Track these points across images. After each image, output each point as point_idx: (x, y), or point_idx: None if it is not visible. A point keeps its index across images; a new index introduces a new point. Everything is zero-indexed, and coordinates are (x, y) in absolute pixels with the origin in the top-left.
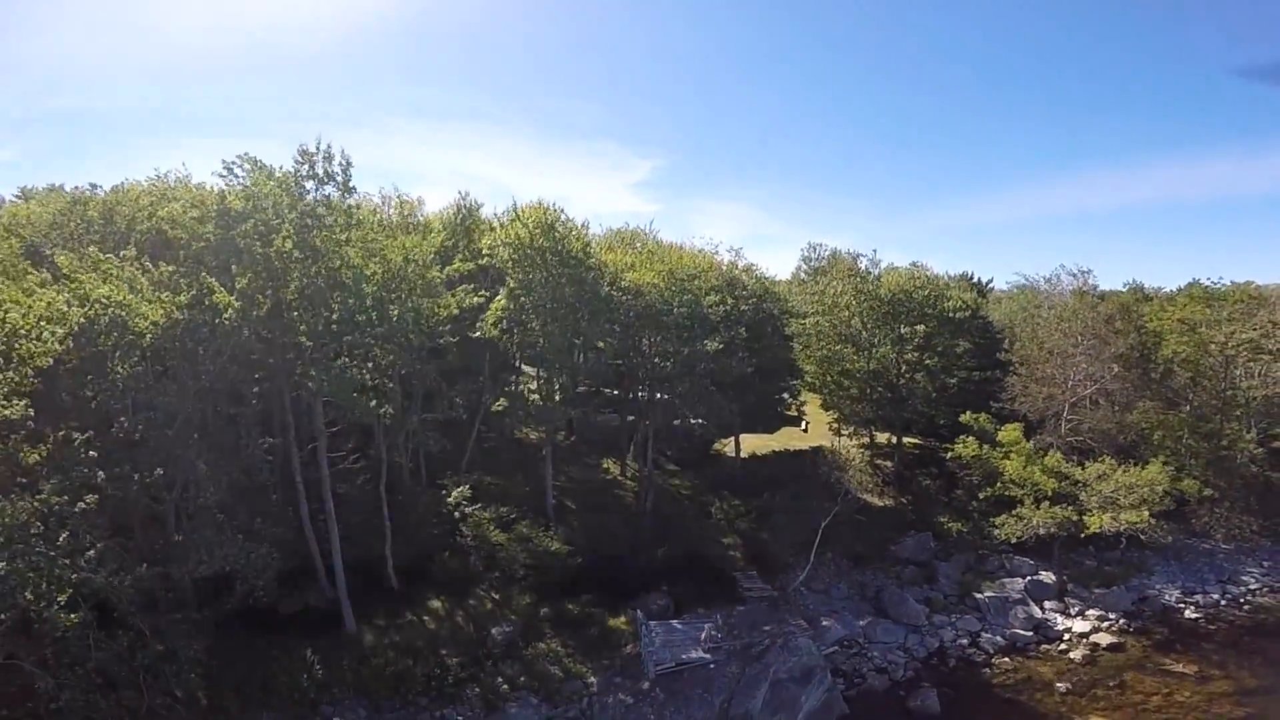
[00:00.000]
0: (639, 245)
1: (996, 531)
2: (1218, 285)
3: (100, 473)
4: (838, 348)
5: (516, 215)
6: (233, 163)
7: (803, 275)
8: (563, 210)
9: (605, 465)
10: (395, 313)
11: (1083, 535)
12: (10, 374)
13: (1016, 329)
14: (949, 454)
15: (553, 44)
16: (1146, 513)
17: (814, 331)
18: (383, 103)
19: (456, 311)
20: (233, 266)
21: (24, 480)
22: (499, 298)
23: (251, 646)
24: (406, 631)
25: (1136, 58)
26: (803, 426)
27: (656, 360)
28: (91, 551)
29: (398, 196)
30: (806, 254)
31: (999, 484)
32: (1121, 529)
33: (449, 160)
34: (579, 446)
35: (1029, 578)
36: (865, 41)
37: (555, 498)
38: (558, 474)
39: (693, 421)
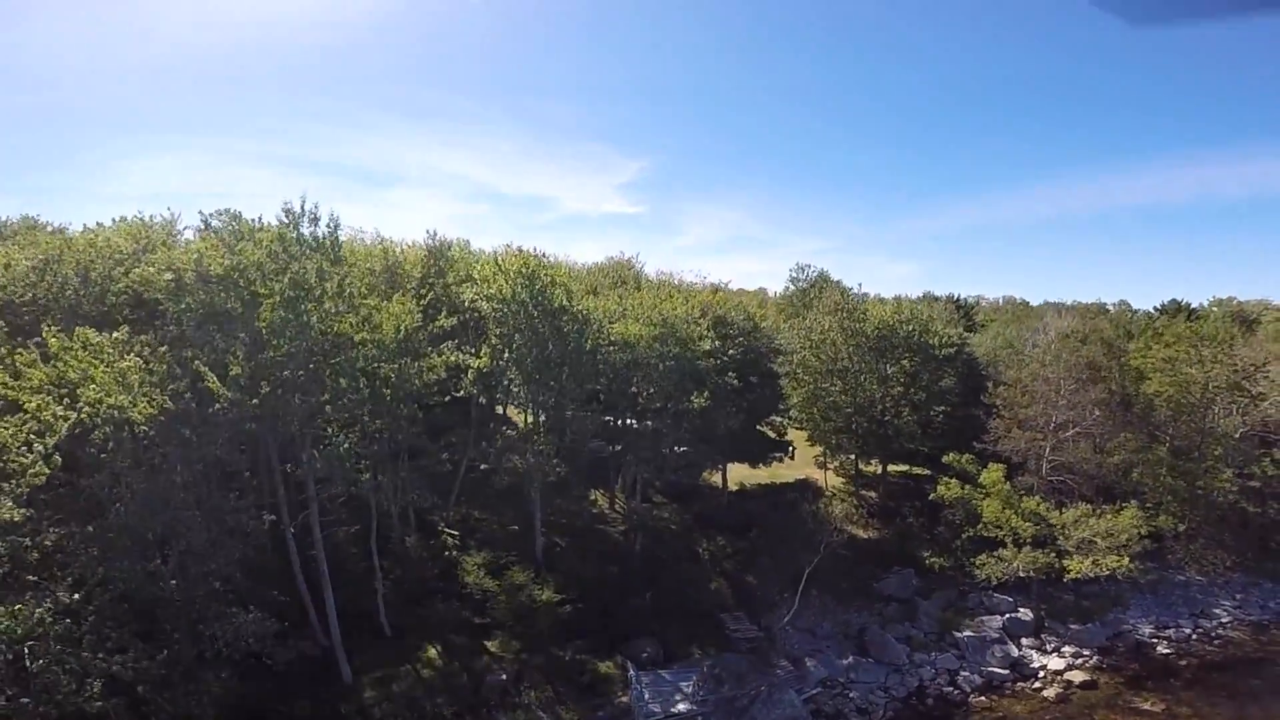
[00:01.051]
0: (627, 282)
1: (977, 571)
2: (1202, 309)
3: (100, 569)
4: (825, 385)
5: (498, 265)
6: (210, 215)
7: (791, 294)
8: (545, 255)
9: (594, 497)
10: (388, 393)
11: (1064, 580)
12: (5, 485)
13: (1001, 364)
14: (932, 495)
15: (536, 42)
16: (1126, 559)
17: (800, 365)
18: (362, 99)
19: (444, 375)
20: (216, 336)
21: (33, 578)
22: (481, 355)
23: (248, 700)
24: (402, 681)
25: (1118, 59)
26: (789, 452)
27: (647, 415)
28: (110, 643)
29: (380, 245)
30: (795, 274)
31: (981, 524)
32: (1102, 574)
33: (430, 159)
34: (567, 476)
35: (1007, 615)
36: (849, 46)
37: (544, 533)
38: (545, 503)
39: (679, 450)
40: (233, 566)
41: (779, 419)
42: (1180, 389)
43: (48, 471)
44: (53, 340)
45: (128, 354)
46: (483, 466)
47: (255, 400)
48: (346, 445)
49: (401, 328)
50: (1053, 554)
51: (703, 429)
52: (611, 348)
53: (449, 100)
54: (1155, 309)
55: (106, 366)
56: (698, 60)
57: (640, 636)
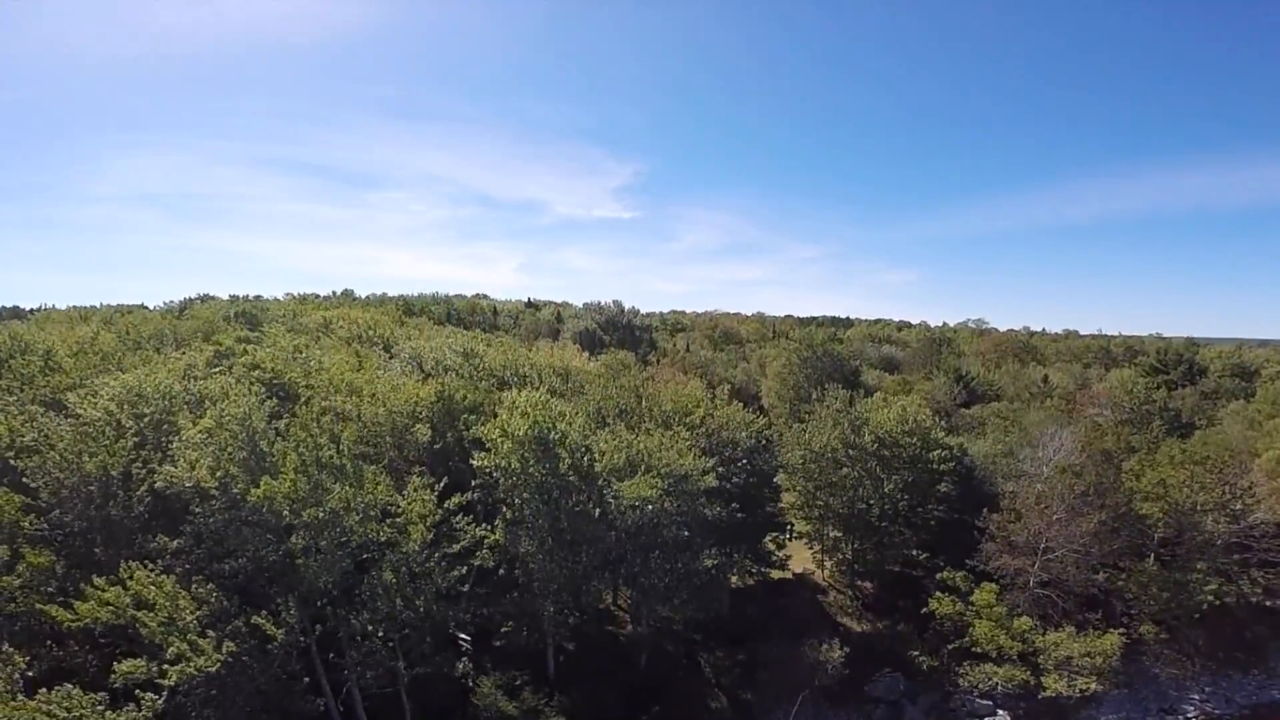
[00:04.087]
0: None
1: (961, 680)
2: (1203, 351)
3: None
4: (822, 496)
5: (505, 432)
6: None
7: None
8: (555, 405)
9: (601, 596)
10: (420, 602)
11: (1039, 697)
12: None
13: (1000, 475)
14: (924, 609)
15: (527, 42)
16: (1094, 682)
17: (802, 472)
18: (350, 101)
19: (465, 571)
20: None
21: None
22: (496, 530)
23: None
24: None
25: (1119, 68)
26: (785, 564)
27: (654, 577)
28: None
29: (385, 404)
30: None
31: (970, 639)
32: (1074, 694)
33: (419, 161)
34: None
35: (987, 718)
36: (848, 50)
37: (558, 656)
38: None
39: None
40: None
41: (780, 535)
42: (1171, 509)
43: None
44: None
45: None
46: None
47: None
48: (383, 648)
49: (428, 529)
50: (1029, 671)
51: (710, 584)
52: (622, 508)
53: (437, 101)
54: (1158, 361)
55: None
56: (693, 62)
57: None
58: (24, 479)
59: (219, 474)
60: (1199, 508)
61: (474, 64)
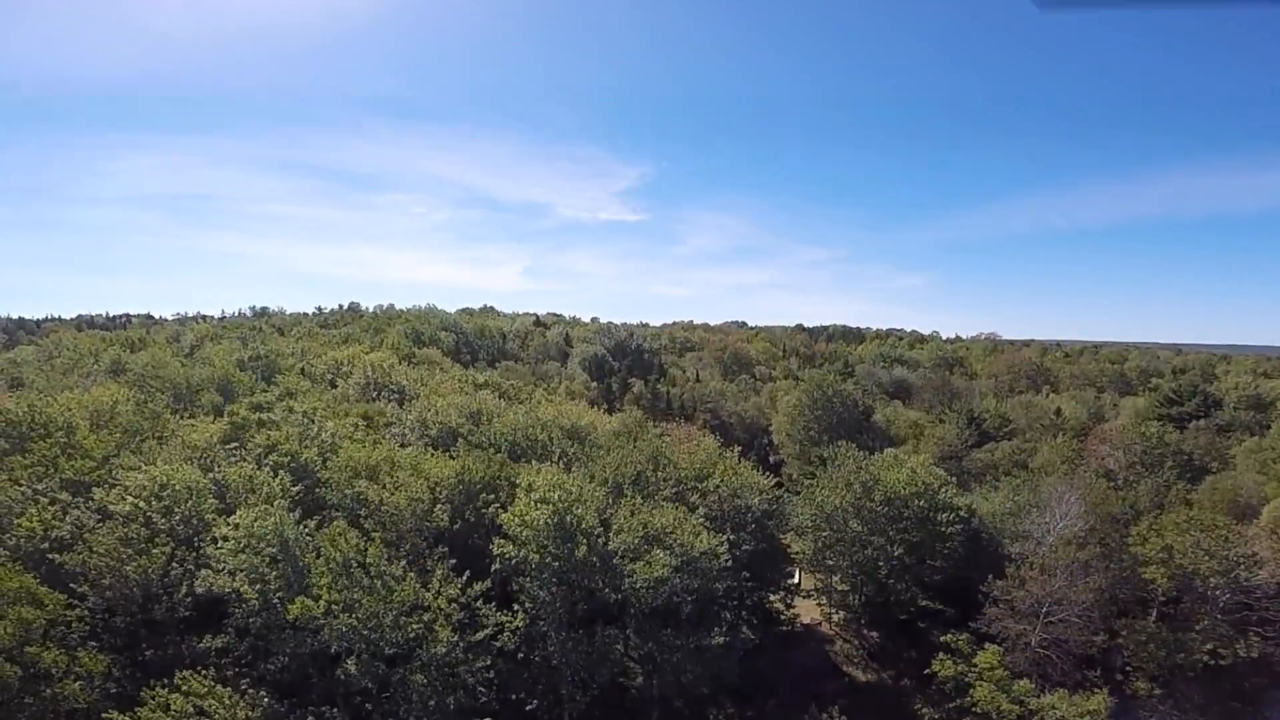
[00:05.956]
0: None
1: None
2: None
3: None
4: (832, 558)
5: (525, 522)
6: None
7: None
8: (572, 485)
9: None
10: (452, 700)
11: None
12: None
13: (1007, 536)
14: (926, 670)
15: (532, 43)
16: None
17: (811, 530)
18: (355, 101)
19: (490, 661)
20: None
21: None
22: (518, 616)
23: None
24: None
25: (1135, 70)
26: (794, 621)
27: (666, 653)
28: None
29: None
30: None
31: (970, 697)
32: None
33: (424, 164)
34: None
35: None
36: (857, 50)
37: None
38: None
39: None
40: None
41: (788, 596)
42: (1175, 572)
43: None
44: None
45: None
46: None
47: None
48: None
49: (455, 627)
50: None
51: (719, 660)
52: (637, 587)
53: (441, 103)
54: (1173, 392)
55: None
56: (699, 64)
57: None
58: (62, 571)
59: (257, 586)
60: (1202, 572)
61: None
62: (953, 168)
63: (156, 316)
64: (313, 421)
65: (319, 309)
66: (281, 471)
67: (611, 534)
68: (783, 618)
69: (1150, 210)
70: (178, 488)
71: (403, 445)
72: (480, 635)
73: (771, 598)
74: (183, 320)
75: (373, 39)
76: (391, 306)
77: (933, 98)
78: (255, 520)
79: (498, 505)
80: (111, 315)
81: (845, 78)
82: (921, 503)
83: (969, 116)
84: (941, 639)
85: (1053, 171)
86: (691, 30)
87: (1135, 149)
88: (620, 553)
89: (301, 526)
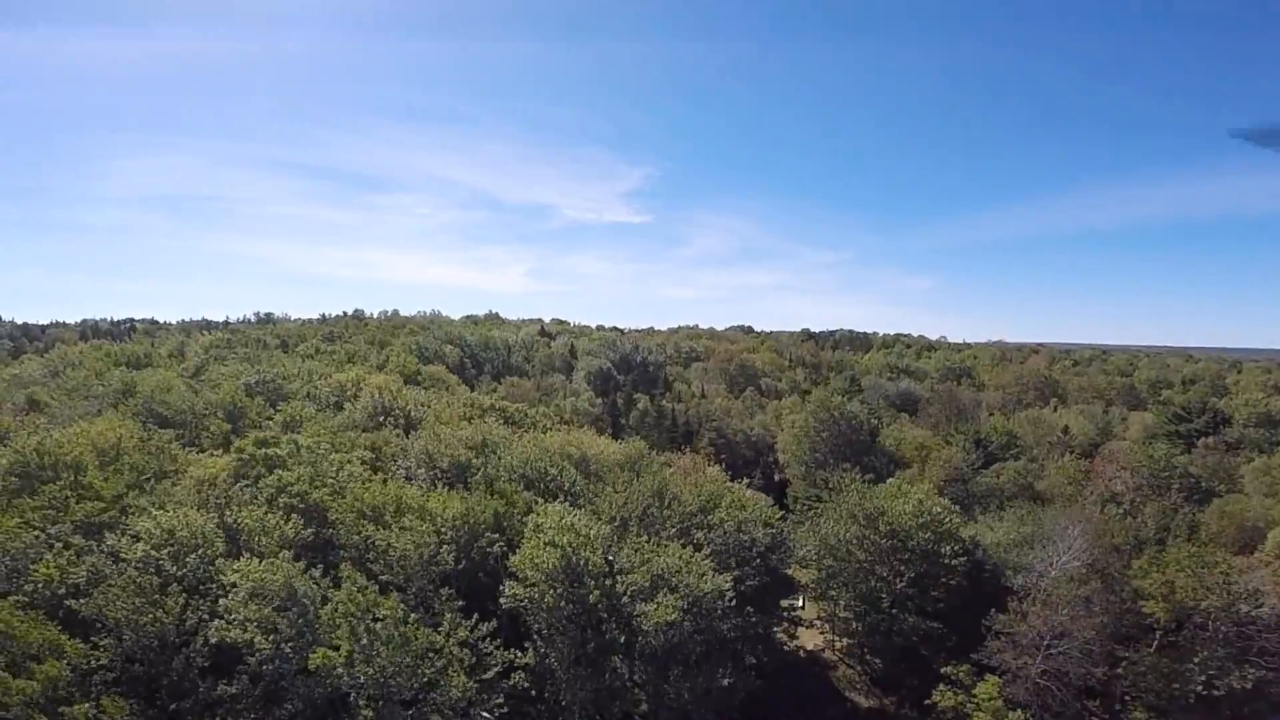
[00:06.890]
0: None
1: None
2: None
3: None
4: (835, 588)
5: (535, 565)
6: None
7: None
8: (580, 524)
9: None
10: None
11: None
12: None
13: (1010, 568)
14: (926, 700)
15: (534, 42)
16: None
17: (815, 562)
18: (357, 102)
19: (501, 700)
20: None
21: None
22: (527, 654)
23: None
24: None
25: (1143, 69)
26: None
27: (673, 692)
28: None
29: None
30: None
31: None
32: None
33: (427, 165)
34: None
35: None
36: (863, 52)
37: None
38: None
39: None
40: None
41: (792, 627)
42: (1174, 607)
43: None
44: None
45: None
46: None
47: None
48: None
49: (467, 671)
50: None
51: (724, 698)
52: (645, 629)
53: (445, 103)
54: (1181, 409)
55: None
56: (706, 64)
57: None
58: (78, 617)
59: (270, 637)
60: (1203, 609)
61: (482, 66)
62: (961, 170)
63: (160, 321)
64: (323, 459)
65: (324, 316)
66: (294, 515)
67: (619, 576)
68: (785, 648)
69: (1159, 212)
70: (185, 536)
71: (408, 479)
72: (490, 674)
73: (776, 630)
74: (187, 329)
75: (378, 39)
76: (396, 313)
77: (942, 101)
78: (264, 572)
79: (504, 543)
80: (115, 320)
81: (853, 78)
82: (926, 534)
83: (978, 118)
84: (942, 670)
85: (1061, 173)
86: (695, 30)
87: (1143, 150)
88: (628, 594)
89: (308, 575)
